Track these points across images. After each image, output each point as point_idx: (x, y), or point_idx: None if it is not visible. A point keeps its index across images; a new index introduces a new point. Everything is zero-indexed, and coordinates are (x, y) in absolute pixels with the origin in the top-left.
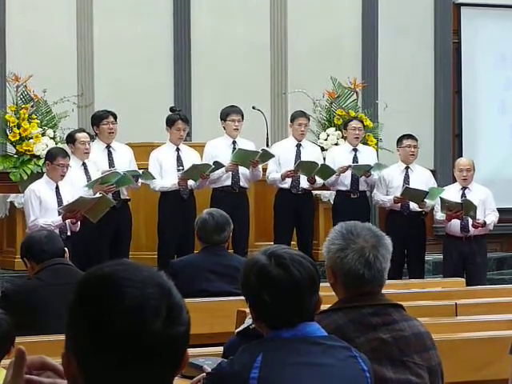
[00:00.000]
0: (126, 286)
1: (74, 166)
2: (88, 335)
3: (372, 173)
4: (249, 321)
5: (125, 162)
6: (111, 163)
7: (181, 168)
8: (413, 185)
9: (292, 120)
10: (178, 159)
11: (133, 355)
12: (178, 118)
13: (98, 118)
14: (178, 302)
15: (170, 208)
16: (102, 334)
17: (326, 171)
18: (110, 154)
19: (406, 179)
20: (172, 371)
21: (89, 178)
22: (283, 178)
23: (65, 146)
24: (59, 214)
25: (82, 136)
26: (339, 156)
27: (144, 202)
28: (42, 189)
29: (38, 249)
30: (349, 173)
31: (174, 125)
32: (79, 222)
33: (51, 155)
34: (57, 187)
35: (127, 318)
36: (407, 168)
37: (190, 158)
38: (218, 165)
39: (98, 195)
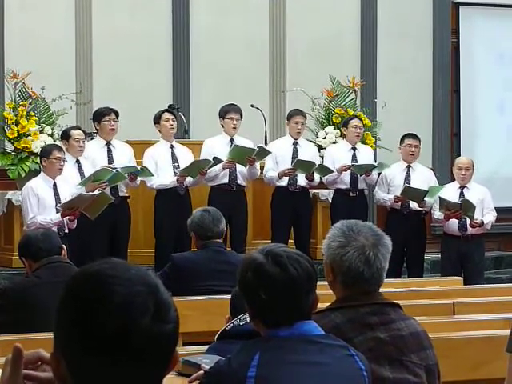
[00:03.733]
0: (114, 284)
1: (68, 163)
2: (76, 334)
3: (372, 172)
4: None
5: (124, 159)
6: (110, 160)
7: (176, 165)
8: (414, 184)
9: (288, 118)
10: (173, 156)
11: (121, 353)
12: (164, 110)
13: (100, 115)
14: (165, 300)
15: (166, 205)
16: (90, 332)
17: (323, 170)
18: (109, 152)
19: (407, 178)
20: (161, 370)
21: (82, 175)
22: (280, 176)
23: (60, 143)
24: (57, 212)
25: (76, 133)
26: (338, 155)
27: (142, 200)
28: (39, 186)
29: (35, 247)
30: (348, 171)
31: (161, 118)
32: (76, 220)
33: (46, 151)
34: (54, 184)
35: (115, 316)
36: (408, 167)
37: (185, 155)
38: (217, 161)
39: (97, 192)
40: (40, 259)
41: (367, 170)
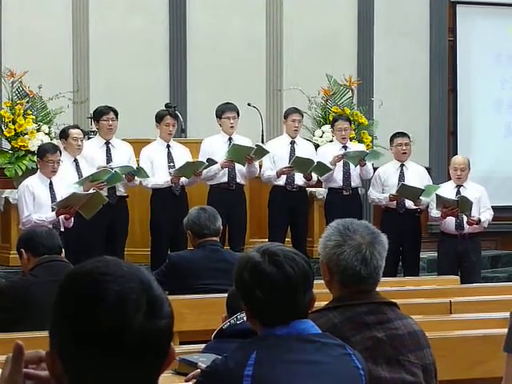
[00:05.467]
0: (107, 282)
1: (66, 162)
2: (70, 332)
3: (366, 162)
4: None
5: (124, 158)
6: (109, 159)
7: (171, 164)
8: (408, 182)
9: (285, 117)
10: (169, 156)
11: (116, 350)
12: (167, 113)
13: (99, 114)
14: (158, 296)
15: (162, 204)
16: (85, 329)
17: (322, 168)
18: (108, 151)
19: (401, 177)
20: (157, 366)
21: (80, 174)
22: (279, 175)
23: (58, 142)
24: (53, 210)
25: (74, 132)
26: (330, 154)
27: (138, 199)
28: (35, 184)
29: (38, 242)
30: (341, 169)
31: (162, 120)
32: (72, 218)
33: (41, 152)
34: (50, 183)
35: (109, 313)
36: (402, 166)
37: (181, 154)
38: (211, 162)
39: (91, 191)
40: (40, 255)
41: (360, 158)
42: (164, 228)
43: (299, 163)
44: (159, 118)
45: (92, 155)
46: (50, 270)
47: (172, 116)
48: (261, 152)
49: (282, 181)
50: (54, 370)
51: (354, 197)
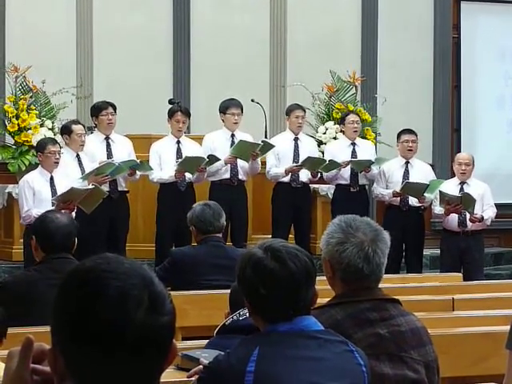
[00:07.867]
0: (109, 278)
1: (68, 158)
2: (72, 329)
3: (372, 168)
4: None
5: (124, 153)
6: (109, 154)
7: (180, 160)
8: (412, 179)
9: (288, 113)
10: (178, 151)
11: (117, 346)
12: (178, 109)
13: (98, 109)
14: (160, 292)
15: (168, 200)
16: (87, 325)
17: (332, 166)
18: (108, 146)
19: (406, 174)
20: (159, 363)
21: (82, 169)
22: (287, 172)
23: (59, 138)
24: (52, 205)
25: (78, 128)
26: (338, 151)
27: (142, 194)
28: (35, 179)
29: (50, 239)
30: (348, 166)
31: (173, 116)
32: (74, 214)
33: (41, 145)
34: (51, 178)
35: (110, 309)
36: (407, 163)
37: (192, 150)
38: (213, 158)
39: (90, 186)
40: (48, 252)
41: (366, 166)
42: (169, 224)
43: (310, 163)
44: (170, 113)
45: (92, 151)
46: (55, 266)
47: (183, 113)
48: (266, 147)
49: (286, 178)
50: (57, 368)
51: (362, 194)
